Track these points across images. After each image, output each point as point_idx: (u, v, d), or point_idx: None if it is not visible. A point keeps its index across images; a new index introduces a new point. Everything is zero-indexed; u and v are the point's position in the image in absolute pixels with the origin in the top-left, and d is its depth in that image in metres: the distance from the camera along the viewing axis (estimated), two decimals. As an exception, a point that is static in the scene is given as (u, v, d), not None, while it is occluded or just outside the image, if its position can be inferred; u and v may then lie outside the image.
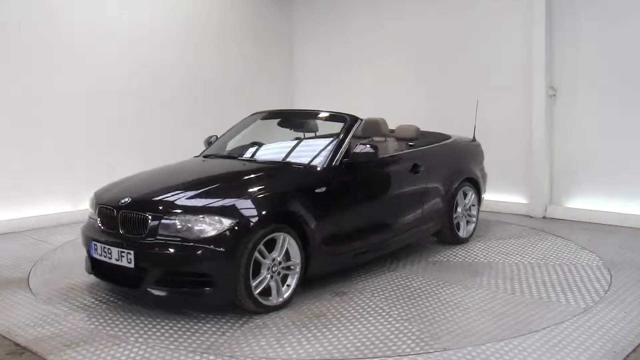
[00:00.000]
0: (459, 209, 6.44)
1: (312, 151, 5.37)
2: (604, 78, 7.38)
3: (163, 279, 4.31)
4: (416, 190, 5.89)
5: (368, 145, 5.18)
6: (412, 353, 3.75)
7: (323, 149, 5.30)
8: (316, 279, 5.03)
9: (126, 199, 4.66)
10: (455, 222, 6.38)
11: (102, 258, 4.61)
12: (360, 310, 4.52)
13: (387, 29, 9.38)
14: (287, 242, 4.56)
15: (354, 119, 5.59)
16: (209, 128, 8.41)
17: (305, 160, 5.22)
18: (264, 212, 4.45)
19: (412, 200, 5.86)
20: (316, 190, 4.89)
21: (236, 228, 4.28)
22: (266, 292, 4.49)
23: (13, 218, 7.32)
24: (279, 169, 5.19)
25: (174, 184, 4.93)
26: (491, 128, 7.24)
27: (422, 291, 4.94)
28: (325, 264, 4.96)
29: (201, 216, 4.31)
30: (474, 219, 6.72)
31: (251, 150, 5.81)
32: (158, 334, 4.12)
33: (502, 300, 4.70)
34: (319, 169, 5.08)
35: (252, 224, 4.34)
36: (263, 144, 5.86)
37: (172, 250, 4.27)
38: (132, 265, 4.37)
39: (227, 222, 4.28)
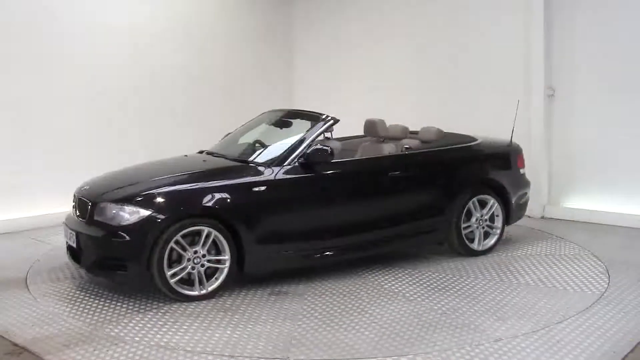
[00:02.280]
0: (473, 219, 5.91)
1: (275, 150, 5.35)
2: (603, 78, 7.37)
3: (95, 259, 4.78)
4: (398, 196, 5.60)
5: (323, 145, 5.20)
6: (252, 355, 3.78)
7: (279, 148, 5.32)
8: (260, 277, 5.14)
9: (86, 187, 5.24)
10: (468, 232, 5.89)
11: (65, 239, 5.19)
12: (271, 310, 4.56)
13: (387, 29, 9.36)
14: (214, 237, 4.72)
15: (325, 119, 5.48)
16: (209, 128, 8.40)
17: (259, 159, 5.28)
18: (181, 206, 4.74)
19: (393, 205, 5.57)
20: (254, 189, 4.95)
21: (151, 219, 4.60)
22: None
23: (13, 218, 7.31)
24: (226, 167, 5.27)
25: (133, 176, 5.25)
26: (489, 128, 7.21)
27: (362, 300, 4.74)
28: (265, 263, 5.02)
29: (123, 205, 4.70)
30: (497, 231, 6.05)
31: (235, 148, 5.83)
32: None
33: (423, 320, 4.33)
34: (260, 167, 5.12)
35: (167, 216, 4.63)
36: (260, 142, 5.86)
37: (96, 234, 4.75)
38: (75, 245, 4.93)
39: (144, 213, 4.63)
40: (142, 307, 4.63)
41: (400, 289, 5.05)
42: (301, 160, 5.16)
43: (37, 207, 7.54)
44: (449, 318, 4.38)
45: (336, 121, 5.55)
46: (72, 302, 4.78)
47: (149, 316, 4.46)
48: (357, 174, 5.54)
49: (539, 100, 7.75)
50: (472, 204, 5.89)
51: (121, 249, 4.63)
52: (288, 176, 5.11)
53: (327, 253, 5.26)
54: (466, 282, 5.19)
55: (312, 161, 5.16)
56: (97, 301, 4.78)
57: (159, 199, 4.74)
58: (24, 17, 7.39)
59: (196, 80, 9.21)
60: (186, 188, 4.88)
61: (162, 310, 4.56)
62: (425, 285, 5.14)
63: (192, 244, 4.69)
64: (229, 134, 6.36)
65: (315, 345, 3.94)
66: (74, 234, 4.92)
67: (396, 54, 9.30)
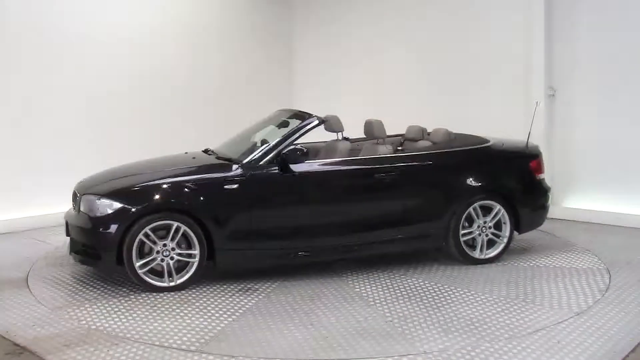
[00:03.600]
0: (475, 226, 5.62)
1: (257, 149, 5.37)
2: (603, 78, 7.36)
3: (79, 247, 5.14)
4: (384, 198, 5.46)
5: (300, 145, 5.26)
6: (171, 346, 3.91)
7: (258, 148, 5.37)
8: (234, 273, 5.26)
9: (82, 181, 5.57)
10: (469, 239, 5.61)
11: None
12: (227, 305, 4.64)
13: (387, 30, 9.36)
14: (183, 231, 4.89)
15: (310, 119, 5.45)
16: (208, 128, 8.37)
17: (241, 157, 5.31)
18: (150, 201, 4.96)
19: (376, 208, 5.44)
20: (225, 187, 5.07)
21: (123, 211, 4.88)
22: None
23: (13, 218, 7.32)
24: (205, 165, 5.43)
25: (124, 172, 5.49)
26: (490, 127, 7.21)
27: (322, 302, 4.70)
28: (237, 260, 5.13)
29: (101, 198, 5.01)
30: (504, 240, 5.68)
31: (235, 147, 5.83)
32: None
33: (363, 326, 4.21)
34: (235, 166, 5.19)
35: (136, 209, 4.88)
36: (265, 141, 5.84)
37: (79, 224, 5.11)
38: (66, 234, 5.35)
39: (117, 205, 4.93)
40: (116, 296, 4.67)
41: (369, 293, 4.92)
42: (278, 159, 5.19)
43: (37, 207, 7.54)
44: (391, 326, 4.22)
45: (321, 121, 5.51)
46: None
47: (114, 302, 4.74)
48: (336, 175, 5.47)
49: (540, 100, 7.73)
50: (474, 209, 5.58)
51: (97, 239, 4.97)
52: (261, 175, 5.17)
53: (302, 254, 5.24)
54: (444, 291, 4.93)
55: (288, 161, 5.18)
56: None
57: (132, 193, 5.03)
58: (24, 18, 7.39)
59: (196, 81, 9.20)
60: (158, 183, 5.09)
61: (125, 297, 4.82)
62: (398, 291, 4.96)
63: (166, 237, 4.89)
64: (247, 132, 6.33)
65: (238, 342, 3.99)
66: (65, 222, 5.36)
67: (396, 55, 9.29)
